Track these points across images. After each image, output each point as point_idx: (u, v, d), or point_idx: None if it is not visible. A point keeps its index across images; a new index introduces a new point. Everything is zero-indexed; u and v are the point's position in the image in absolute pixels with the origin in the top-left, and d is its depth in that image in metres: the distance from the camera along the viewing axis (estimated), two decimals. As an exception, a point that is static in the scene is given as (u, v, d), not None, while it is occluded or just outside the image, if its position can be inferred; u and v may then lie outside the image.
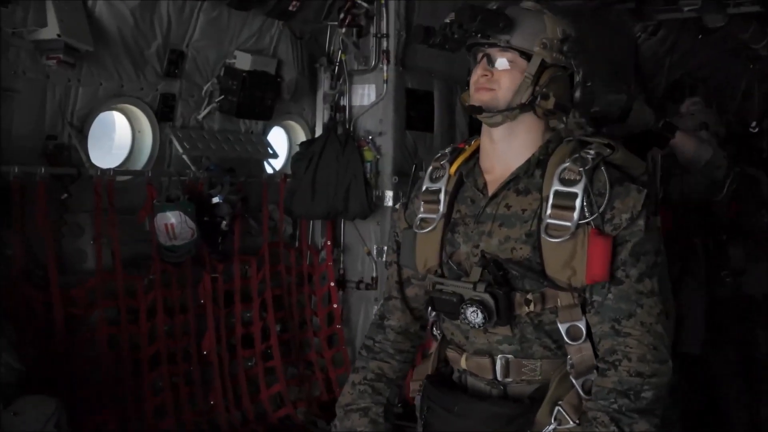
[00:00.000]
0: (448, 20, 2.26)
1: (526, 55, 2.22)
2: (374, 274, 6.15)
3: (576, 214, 2.12)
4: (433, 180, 2.41)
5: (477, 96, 2.26)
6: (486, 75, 2.25)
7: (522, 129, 2.27)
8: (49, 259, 4.54)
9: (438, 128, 6.40)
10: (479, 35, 2.24)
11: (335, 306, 6.21)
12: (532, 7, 2.29)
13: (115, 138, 5.38)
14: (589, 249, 2.10)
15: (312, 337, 6.21)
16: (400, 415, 3.18)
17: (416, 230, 2.37)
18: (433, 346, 2.51)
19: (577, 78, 2.28)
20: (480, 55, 2.28)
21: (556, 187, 2.16)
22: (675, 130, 4.42)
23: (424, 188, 2.42)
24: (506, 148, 2.29)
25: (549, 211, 2.15)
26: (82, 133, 4.80)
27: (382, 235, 6.02)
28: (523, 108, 2.23)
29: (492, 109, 2.24)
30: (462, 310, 2.19)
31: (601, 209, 2.13)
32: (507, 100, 2.23)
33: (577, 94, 2.29)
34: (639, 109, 4.38)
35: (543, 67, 2.23)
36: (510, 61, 2.23)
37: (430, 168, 2.44)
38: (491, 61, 2.25)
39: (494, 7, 2.24)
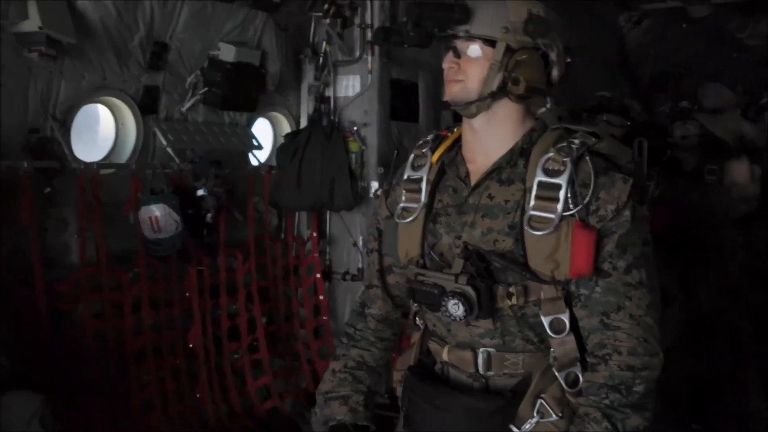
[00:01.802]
0: (403, 19, 2.24)
1: (491, 42, 2.17)
2: (360, 265, 6.14)
3: (560, 206, 2.09)
4: (414, 168, 2.37)
5: (448, 89, 2.24)
6: (453, 67, 2.21)
7: (500, 117, 2.23)
8: (34, 253, 4.51)
9: (423, 119, 6.40)
10: (437, 30, 2.20)
11: (321, 297, 6.21)
12: None
13: (99, 131, 5.34)
14: (573, 243, 2.07)
15: (298, 329, 6.20)
16: (386, 406, 3.18)
17: (398, 220, 2.34)
18: (415, 337, 2.48)
19: (553, 57, 2.22)
20: (447, 47, 2.24)
21: (540, 177, 2.13)
22: (741, 154, 4.49)
23: (405, 176, 2.39)
24: (487, 138, 2.25)
25: (532, 203, 2.12)
26: (65, 126, 4.76)
27: (368, 226, 6.00)
28: (495, 96, 2.19)
29: (462, 101, 2.21)
30: (443, 303, 2.16)
31: (586, 201, 2.10)
32: (477, 90, 2.19)
33: (555, 73, 2.23)
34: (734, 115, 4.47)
35: (510, 51, 2.17)
36: (475, 50, 2.18)
37: (412, 156, 2.41)
38: (457, 52, 2.21)
39: None
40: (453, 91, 2.22)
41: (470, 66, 2.19)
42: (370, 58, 5.95)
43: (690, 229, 4.78)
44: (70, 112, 4.79)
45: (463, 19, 2.17)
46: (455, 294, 2.14)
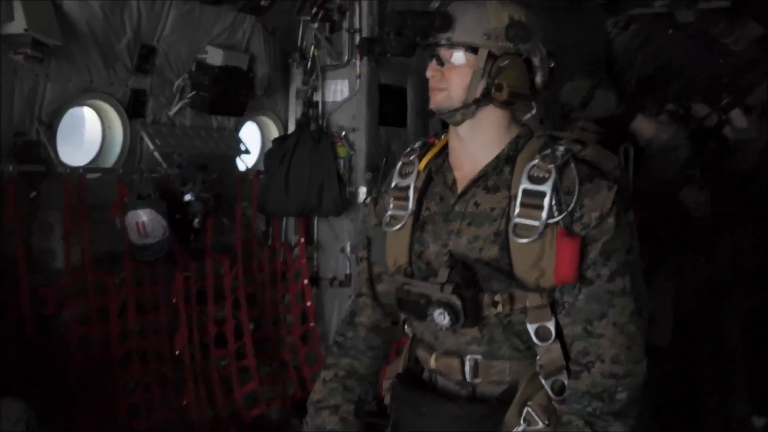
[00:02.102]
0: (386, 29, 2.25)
1: (474, 49, 2.18)
2: (348, 271, 6.12)
3: (544, 214, 2.09)
4: (402, 176, 2.38)
5: (432, 97, 2.24)
6: (436, 75, 2.23)
7: (485, 123, 2.24)
8: (19, 257, 4.46)
9: (411, 124, 6.39)
10: (419, 38, 2.21)
11: (309, 304, 6.17)
12: None
13: (85, 134, 5.30)
14: (557, 250, 2.08)
15: (286, 335, 6.17)
16: (374, 413, 3.16)
17: (385, 228, 2.34)
18: (404, 345, 2.49)
19: (536, 62, 2.22)
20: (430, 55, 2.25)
21: (525, 185, 2.13)
22: (635, 115, 4.46)
23: (393, 184, 2.39)
24: (473, 145, 2.26)
25: (517, 210, 2.12)
26: (51, 129, 4.71)
27: (356, 231, 5.99)
28: (479, 103, 2.20)
29: (446, 109, 2.22)
30: (429, 312, 2.16)
31: (570, 208, 2.10)
32: (461, 98, 2.20)
33: (539, 78, 2.23)
34: (602, 94, 4.40)
35: (493, 57, 2.18)
36: (458, 58, 2.19)
37: (400, 163, 2.41)
38: (440, 60, 2.22)
39: (435, 5, 2.21)
40: (437, 100, 2.23)
41: (453, 74, 2.20)
42: (358, 62, 5.93)
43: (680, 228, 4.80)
44: (56, 115, 4.74)
45: (444, 27, 2.18)
46: (440, 304, 2.14)
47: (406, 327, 2.46)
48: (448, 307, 2.13)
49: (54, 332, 4.68)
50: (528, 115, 2.29)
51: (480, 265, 2.16)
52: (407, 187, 2.33)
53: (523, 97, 2.22)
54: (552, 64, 2.26)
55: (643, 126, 4.62)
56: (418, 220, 2.30)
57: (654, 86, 9.81)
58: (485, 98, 2.19)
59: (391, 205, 2.36)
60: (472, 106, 2.20)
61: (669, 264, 4.80)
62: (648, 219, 4.53)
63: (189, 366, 5.38)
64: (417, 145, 2.42)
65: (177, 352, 5.35)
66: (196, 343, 5.46)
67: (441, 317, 2.14)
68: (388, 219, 2.35)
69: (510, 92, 2.17)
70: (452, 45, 2.19)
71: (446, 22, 2.17)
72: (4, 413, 3.74)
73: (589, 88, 4.63)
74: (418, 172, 2.34)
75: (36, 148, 4.61)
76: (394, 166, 2.44)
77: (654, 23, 8.98)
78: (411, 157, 2.38)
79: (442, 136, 2.39)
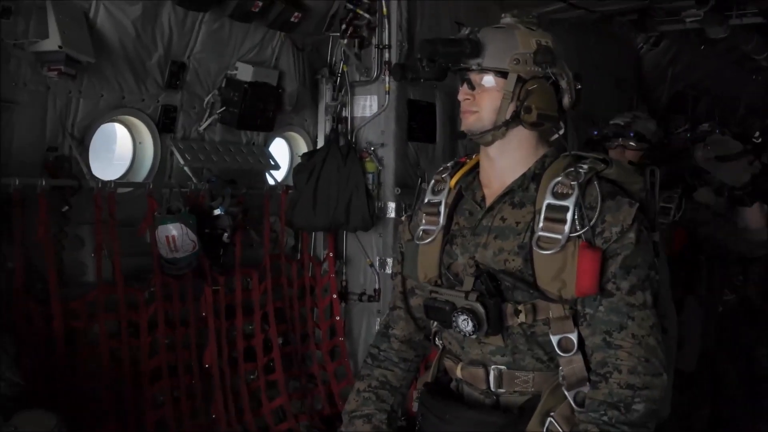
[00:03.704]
0: (418, 56, 2.35)
1: (503, 73, 2.29)
2: (377, 286, 6.11)
3: (567, 227, 2.17)
4: (434, 193, 2.49)
5: (464, 120, 2.36)
6: (468, 98, 2.34)
7: (514, 144, 2.34)
8: (50, 271, 4.52)
9: (440, 139, 6.39)
10: (451, 64, 2.31)
11: (337, 318, 6.17)
12: (506, 24, 2.35)
13: (116, 149, 5.37)
14: (579, 262, 2.14)
15: (314, 350, 6.17)
16: (403, 428, 3.18)
17: (417, 242, 2.45)
18: (435, 356, 2.58)
19: (562, 84, 2.32)
20: (461, 79, 2.35)
21: (549, 200, 2.22)
22: (754, 201, 4.50)
23: (426, 201, 2.50)
24: (502, 164, 2.36)
25: (541, 224, 2.21)
26: (83, 144, 4.79)
27: (385, 246, 5.99)
28: (509, 124, 2.30)
29: (478, 131, 2.33)
30: (454, 318, 2.25)
31: (592, 222, 2.17)
32: (491, 120, 2.31)
33: (566, 99, 2.34)
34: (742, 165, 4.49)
35: (522, 81, 2.28)
36: (488, 82, 2.30)
37: (432, 181, 2.53)
38: (471, 84, 2.33)
39: (465, 33, 2.31)
40: (469, 122, 2.34)
41: (484, 97, 2.31)
42: (387, 78, 5.94)
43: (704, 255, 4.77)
44: (88, 130, 4.82)
45: (474, 53, 2.29)
46: (465, 310, 2.25)
47: (436, 339, 2.55)
48: (472, 313, 2.23)
49: (84, 346, 4.72)
50: (555, 135, 2.40)
51: (504, 276, 2.24)
52: (439, 203, 2.44)
53: (551, 118, 2.32)
54: (578, 86, 2.36)
55: (755, 218, 4.68)
56: (448, 233, 2.40)
57: (685, 103, 9.76)
58: (514, 120, 2.30)
59: (424, 220, 2.47)
60: (502, 128, 2.31)
61: (701, 288, 4.76)
62: (685, 243, 4.51)
63: (218, 380, 5.40)
64: (450, 164, 2.53)
65: (206, 366, 5.37)
66: (225, 357, 5.47)
67: (465, 323, 2.24)
68: (420, 233, 2.45)
69: (538, 114, 2.27)
70: (482, 70, 2.30)
71: (476, 49, 2.29)
72: (36, 426, 3.77)
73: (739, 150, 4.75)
74: (449, 189, 2.45)
75: (68, 163, 4.69)
76: (427, 183, 2.55)
77: (685, 40, 8.95)
78: (443, 175, 2.50)
79: (474, 156, 2.49)
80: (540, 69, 2.29)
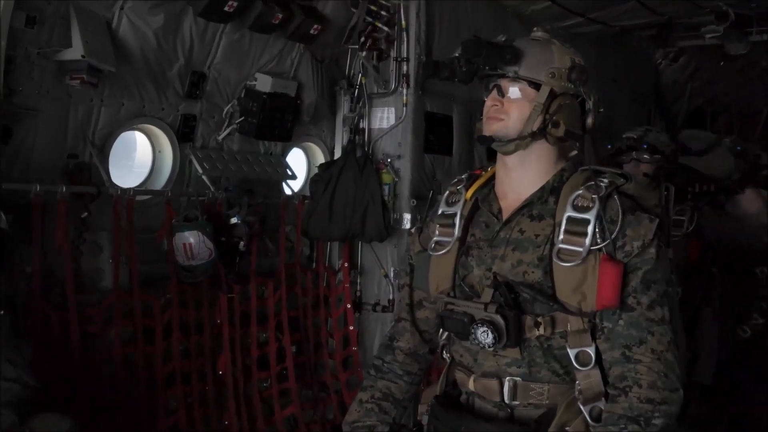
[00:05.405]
0: (456, 54, 2.33)
1: (535, 85, 2.29)
2: (391, 297, 6.13)
3: (588, 240, 2.16)
4: (449, 204, 2.48)
5: (488, 126, 2.34)
6: (496, 105, 2.33)
7: (535, 156, 2.33)
8: (67, 277, 4.56)
9: (457, 152, 6.42)
10: (487, 68, 2.31)
11: (351, 328, 6.18)
12: (540, 38, 2.37)
13: (136, 157, 5.42)
14: (600, 274, 2.14)
15: (327, 360, 6.18)
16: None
17: (431, 252, 2.43)
18: (442, 370, 2.56)
19: (589, 105, 2.34)
20: (491, 85, 2.35)
21: (569, 213, 2.21)
22: (745, 186, 4.46)
23: (440, 212, 2.49)
24: (520, 175, 2.35)
25: (561, 236, 2.20)
26: (103, 152, 4.84)
27: (400, 257, 6.00)
28: (534, 136, 2.30)
29: (503, 138, 2.32)
30: (473, 330, 2.24)
31: (613, 236, 2.17)
32: (518, 129, 2.30)
33: (590, 120, 2.36)
34: (718, 152, 4.42)
35: (552, 95, 2.29)
36: (519, 91, 2.30)
37: (447, 193, 2.52)
38: (501, 92, 2.32)
39: (502, 40, 2.32)
40: (494, 128, 2.32)
41: (512, 106, 2.31)
42: (405, 90, 5.97)
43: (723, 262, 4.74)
44: (109, 138, 4.87)
45: (513, 61, 2.30)
46: (484, 322, 2.23)
47: (444, 353, 2.53)
48: (492, 325, 2.21)
49: (99, 351, 4.76)
50: (573, 152, 2.40)
51: (523, 288, 2.23)
52: (454, 215, 2.43)
53: (576, 136, 2.33)
54: (601, 110, 2.38)
55: (752, 202, 4.63)
56: (463, 245, 2.39)
57: (704, 119, 9.72)
58: (540, 132, 2.30)
59: (437, 232, 2.45)
60: (527, 139, 2.31)
61: (717, 301, 4.74)
62: (702, 256, 4.50)
63: (231, 387, 5.42)
64: (464, 176, 2.53)
65: (220, 373, 5.39)
66: (238, 365, 5.50)
67: (484, 335, 2.22)
68: (433, 244, 2.44)
69: (566, 130, 2.29)
70: (517, 78, 2.30)
71: (516, 57, 2.30)
72: (51, 429, 3.80)
73: (714, 139, 4.70)
74: (465, 201, 2.44)
75: (88, 170, 4.74)
76: (440, 195, 2.55)
77: (704, 55, 8.92)
78: (458, 187, 2.49)
79: (489, 168, 2.49)
80: (572, 86, 2.31)
